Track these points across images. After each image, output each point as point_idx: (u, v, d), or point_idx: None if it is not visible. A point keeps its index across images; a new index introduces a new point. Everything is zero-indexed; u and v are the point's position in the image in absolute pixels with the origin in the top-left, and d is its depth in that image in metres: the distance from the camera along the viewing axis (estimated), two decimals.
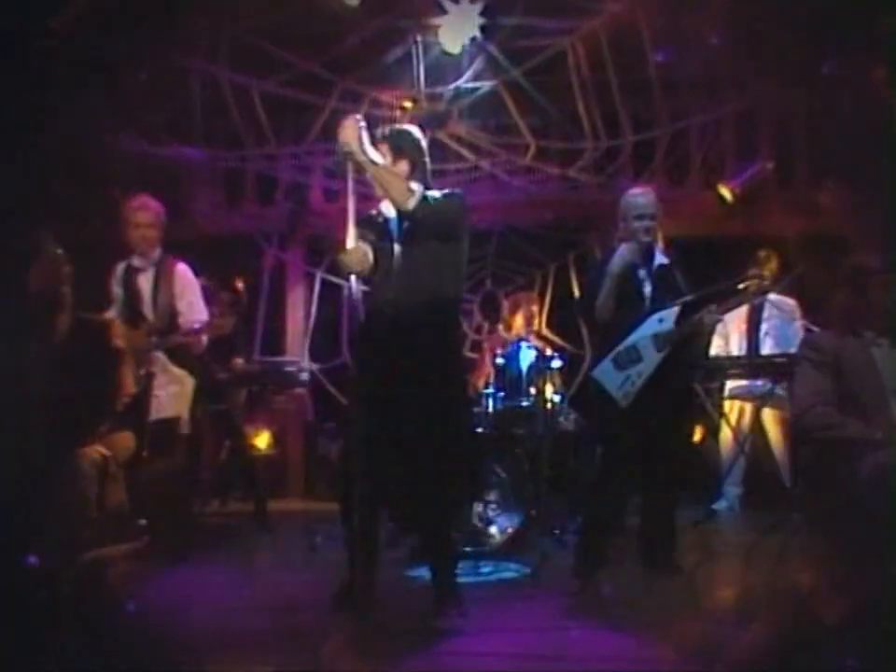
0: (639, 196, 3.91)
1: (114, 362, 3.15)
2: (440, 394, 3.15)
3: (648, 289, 3.86)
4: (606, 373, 3.81)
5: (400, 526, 3.53)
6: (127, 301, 4.24)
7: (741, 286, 4.14)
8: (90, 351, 3.03)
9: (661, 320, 3.76)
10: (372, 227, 3.29)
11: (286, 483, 6.75)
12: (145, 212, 4.24)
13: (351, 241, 3.10)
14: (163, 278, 4.25)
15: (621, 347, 3.77)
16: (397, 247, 3.25)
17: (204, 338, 4.17)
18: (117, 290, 4.28)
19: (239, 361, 5.43)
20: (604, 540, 3.85)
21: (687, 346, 3.85)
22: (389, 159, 3.26)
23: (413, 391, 3.11)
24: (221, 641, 2.99)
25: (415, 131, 3.37)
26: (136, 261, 4.27)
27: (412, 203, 3.13)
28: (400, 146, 3.29)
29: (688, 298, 3.77)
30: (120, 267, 4.31)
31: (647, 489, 3.97)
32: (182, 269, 4.32)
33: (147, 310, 4.21)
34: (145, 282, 4.25)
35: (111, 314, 4.24)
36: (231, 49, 5.22)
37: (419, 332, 3.15)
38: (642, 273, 3.87)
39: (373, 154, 3.13)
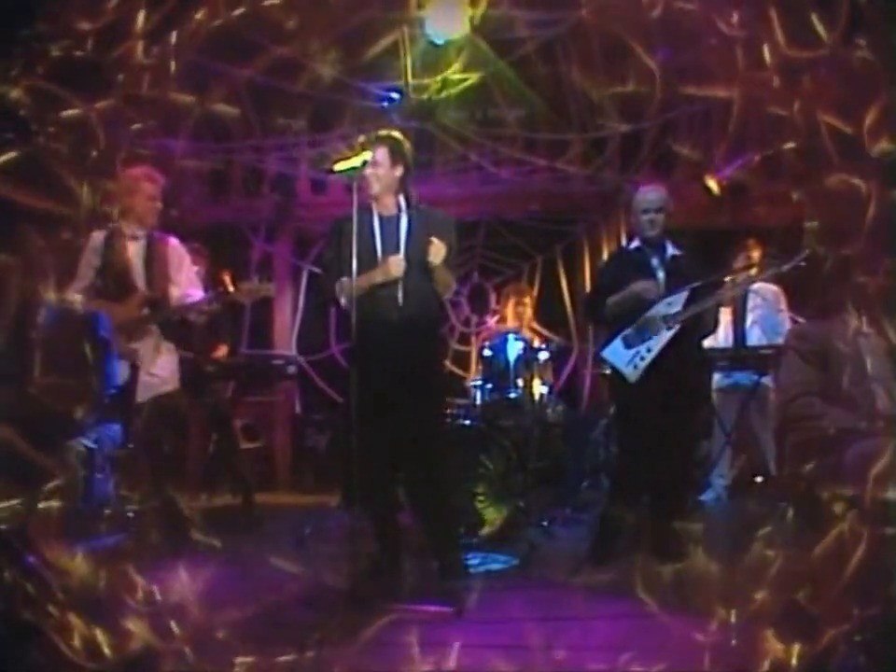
0: (647, 192, 4.10)
1: (99, 353, 3.12)
2: (421, 393, 3.42)
3: (662, 276, 4.02)
4: (615, 352, 4.00)
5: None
6: (112, 270, 4.10)
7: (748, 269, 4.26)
8: (74, 342, 3.01)
9: (670, 304, 3.92)
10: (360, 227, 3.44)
11: (273, 476, 6.74)
12: (152, 182, 4.18)
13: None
14: (156, 249, 4.18)
15: (630, 328, 3.95)
16: (380, 250, 3.50)
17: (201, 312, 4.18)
18: (94, 260, 4.12)
19: (222, 349, 5.40)
20: (622, 524, 3.90)
21: (695, 325, 3.99)
22: (388, 161, 3.49)
23: (397, 388, 3.38)
24: (208, 634, 2.98)
25: (405, 138, 3.61)
26: (129, 229, 4.15)
27: (448, 295, 3.60)
28: (399, 151, 3.53)
29: (696, 284, 3.92)
30: (99, 235, 4.14)
31: (666, 469, 3.98)
32: (175, 242, 4.28)
33: (139, 280, 4.12)
34: (135, 251, 4.15)
35: (78, 287, 4.08)
36: (216, 38, 5.17)
37: (408, 335, 3.42)
38: (655, 262, 4.04)
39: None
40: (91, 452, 3.24)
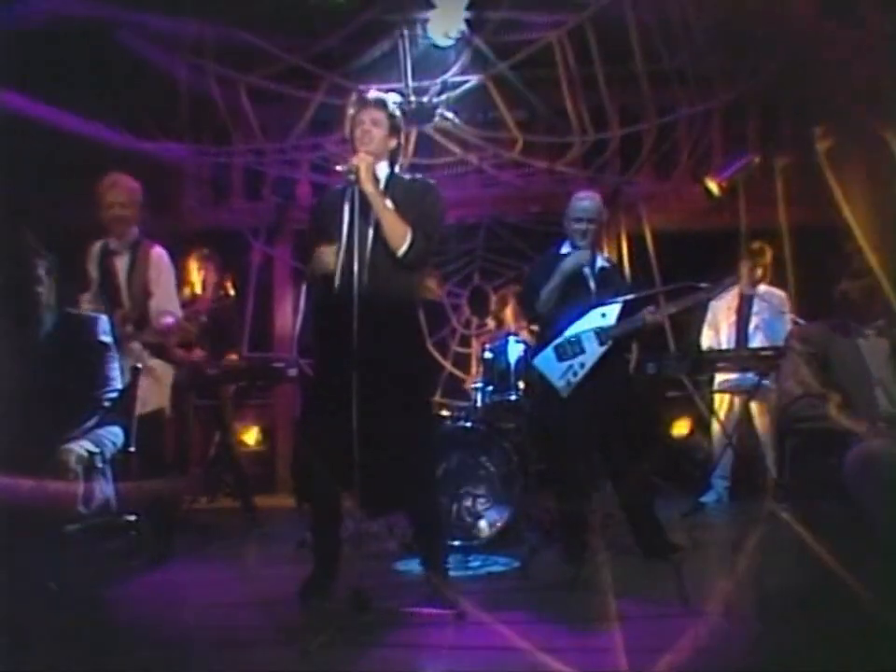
0: (581, 200, 4.04)
1: (100, 356, 3.13)
2: (400, 379, 3.10)
3: (593, 285, 4.01)
4: (546, 362, 3.94)
5: (371, 510, 3.40)
6: (102, 284, 4.08)
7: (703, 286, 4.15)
8: (75, 345, 3.01)
9: (603, 315, 3.90)
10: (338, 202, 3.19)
11: (274, 479, 6.74)
12: (117, 190, 4.02)
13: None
14: (139, 262, 4.07)
15: (562, 338, 3.91)
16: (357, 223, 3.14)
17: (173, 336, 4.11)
18: (93, 272, 4.11)
19: (233, 357, 5.40)
20: (578, 530, 3.87)
21: (627, 341, 4.06)
22: (385, 127, 3.22)
23: (373, 378, 3.01)
24: (210, 637, 2.98)
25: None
26: (112, 244, 4.09)
27: (403, 250, 3.10)
28: (396, 123, 3.27)
29: (630, 297, 3.92)
30: (96, 247, 4.12)
31: (612, 479, 4.03)
32: (158, 253, 4.14)
33: (124, 296, 4.05)
34: (120, 266, 4.08)
35: (87, 297, 4.08)
36: (218, 42, 5.20)
37: (377, 319, 3.06)
38: (587, 271, 4.02)
39: (378, 193, 3.12)
40: (92, 455, 3.24)
